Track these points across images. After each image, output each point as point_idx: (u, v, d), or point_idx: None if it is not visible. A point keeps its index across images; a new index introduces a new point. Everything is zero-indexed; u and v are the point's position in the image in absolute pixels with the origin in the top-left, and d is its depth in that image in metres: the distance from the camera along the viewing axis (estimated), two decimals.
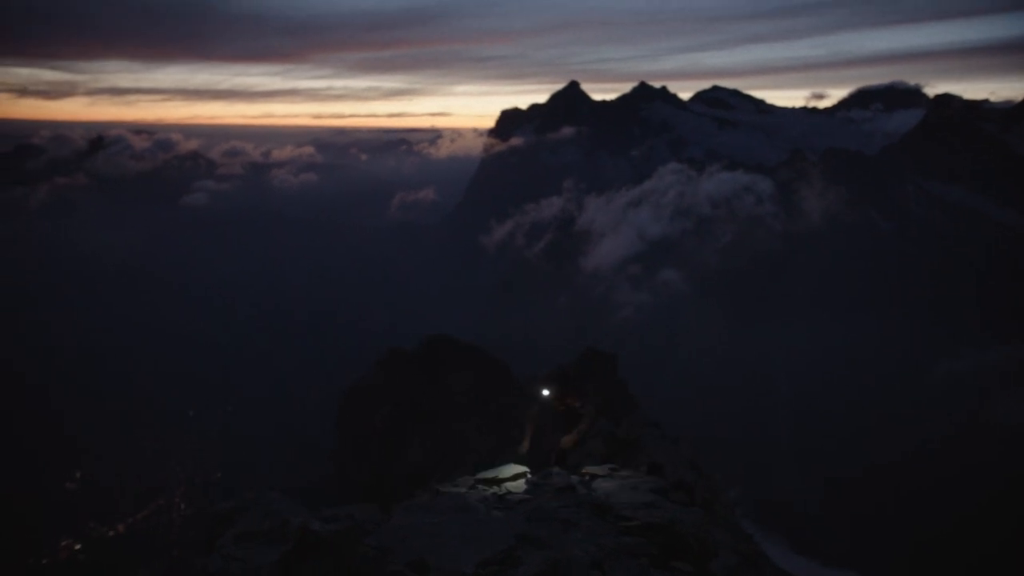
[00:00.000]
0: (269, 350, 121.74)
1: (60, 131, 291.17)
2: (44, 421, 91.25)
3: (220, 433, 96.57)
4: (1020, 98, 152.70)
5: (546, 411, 13.22)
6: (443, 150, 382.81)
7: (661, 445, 14.96)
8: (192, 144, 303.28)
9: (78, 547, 70.87)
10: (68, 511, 75.53)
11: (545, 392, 12.82)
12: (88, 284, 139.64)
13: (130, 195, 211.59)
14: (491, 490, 7.69)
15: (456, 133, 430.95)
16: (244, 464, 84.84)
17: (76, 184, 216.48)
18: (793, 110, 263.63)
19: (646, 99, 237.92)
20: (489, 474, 9.00)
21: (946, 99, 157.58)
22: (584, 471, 9.79)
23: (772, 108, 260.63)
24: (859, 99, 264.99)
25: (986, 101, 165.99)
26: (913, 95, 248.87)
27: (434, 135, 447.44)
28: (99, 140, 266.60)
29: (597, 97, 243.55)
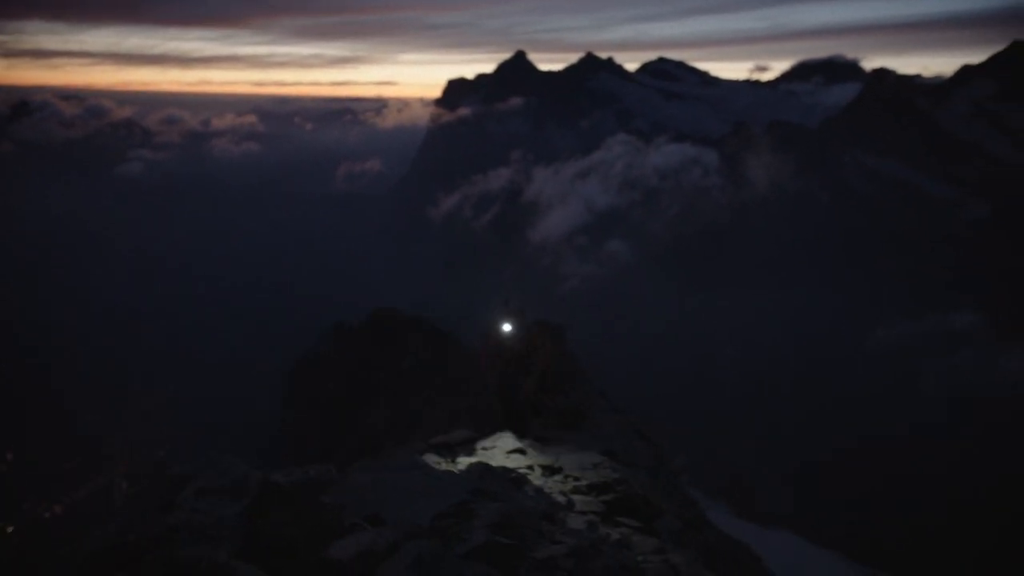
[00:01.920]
0: (212, 322, 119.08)
1: None
2: None
3: (164, 408, 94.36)
4: (949, 74, 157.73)
5: (506, 352, 11.24)
6: (389, 120, 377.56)
7: (608, 415, 15.09)
8: (125, 111, 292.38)
9: (10, 529, 68.63)
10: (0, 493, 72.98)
11: (506, 327, 11.14)
12: (19, 254, 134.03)
13: (60, 163, 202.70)
14: (443, 461, 7.72)
15: (402, 103, 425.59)
16: (189, 439, 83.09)
17: (2, 151, 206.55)
18: (737, 83, 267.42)
19: (593, 70, 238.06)
20: (440, 439, 9.13)
21: (882, 74, 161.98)
22: (535, 435, 10.26)
23: (717, 80, 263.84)
24: (800, 72, 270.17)
25: (918, 76, 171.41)
26: (851, 69, 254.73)
27: (380, 104, 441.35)
28: (23, 105, 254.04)
29: (544, 67, 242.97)
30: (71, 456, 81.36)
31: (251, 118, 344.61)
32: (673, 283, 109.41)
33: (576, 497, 6.42)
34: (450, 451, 8.56)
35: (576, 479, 6.91)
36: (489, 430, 9.96)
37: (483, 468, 5.25)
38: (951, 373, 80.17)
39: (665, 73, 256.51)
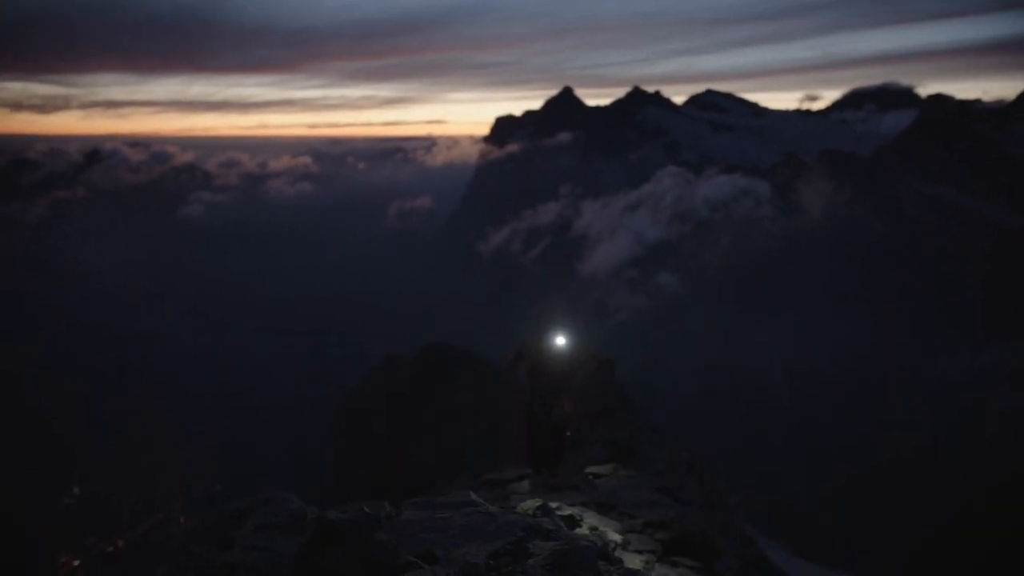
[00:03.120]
0: (267, 361, 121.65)
1: (55, 145, 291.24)
2: (41, 436, 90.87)
3: (219, 446, 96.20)
4: (1012, 97, 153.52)
5: (546, 368, 9.22)
6: (439, 158, 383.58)
7: (660, 449, 14.92)
8: (188, 156, 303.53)
9: (77, 563, 70.25)
10: (66, 527, 74.79)
11: (558, 340, 8.97)
12: (87, 298, 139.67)
13: (127, 208, 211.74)
14: (496, 499, 7.81)
15: (452, 140, 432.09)
16: (243, 476, 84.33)
17: (75, 197, 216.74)
18: (787, 112, 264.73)
19: (640, 104, 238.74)
20: (491, 476, 9.20)
21: (939, 99, 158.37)
22: (587, 471, 10.16)
23: (766, 111, 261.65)
24: (852, 100, 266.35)
25: (978, 101, 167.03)
26: (906, 96, 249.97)
27: (429, 143, 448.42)
28: (95, 153, 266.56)
29: (591, 103, 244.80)
30: (132, 492, 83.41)
31: (306, 159, 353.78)
32: (725, 315, 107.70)
33: (631, 536, 6.45)
34: (502, 488, 8.64)
35: (631, 516, 6.94)
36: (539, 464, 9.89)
37: (537, 505, 5.35)
38: (1017, 407, 76.68)
39: (713, 105, 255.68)
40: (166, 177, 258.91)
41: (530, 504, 5.32)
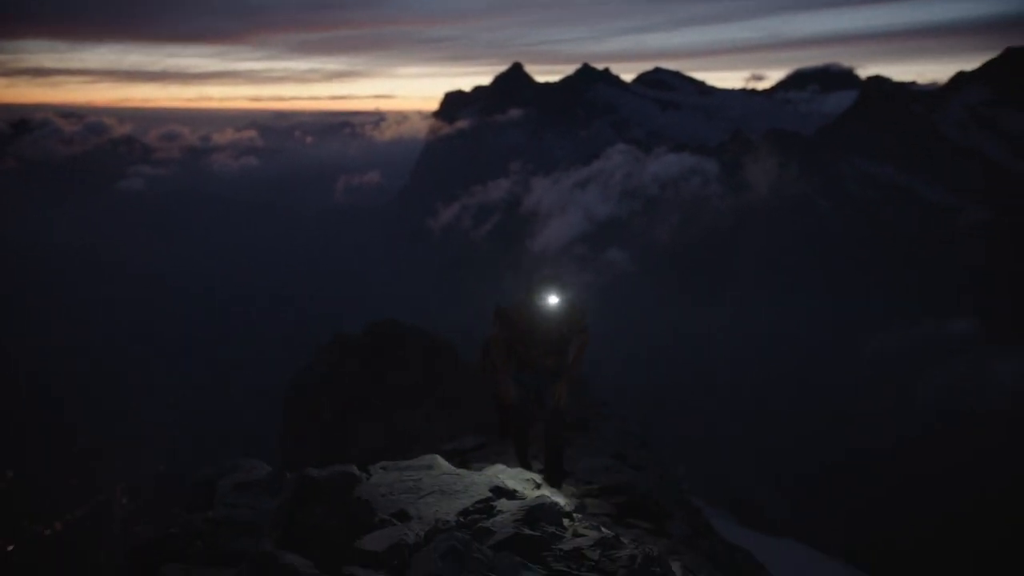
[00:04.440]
0: (211, 337, 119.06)
1: None
2: None
3: (161, 425, 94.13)
4: (944, 80, 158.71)
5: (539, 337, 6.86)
6: (387, 133, 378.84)
7: (610, 422, 15.16)
8: (125, 128, 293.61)
9: (11, 548, 68.29)
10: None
11: (552, 299, 6.76)
12: (23, 272, 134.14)
13: (61, 180, 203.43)
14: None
15: (401, 116, 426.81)
16: (187, 454, 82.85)
17: (5, 168, 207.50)
18: (733, 91, 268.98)
19: (589, 81, 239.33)
20: (450, 445, 9.18)
21: (877, 81, 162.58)
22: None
23: (713, 90, 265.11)
24: (796, 81, 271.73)
25: (914, 83, 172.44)
26: (847, 77, 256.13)
27: (378, 117, 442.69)
28: (23, 123, 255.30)
29: (541, 79, 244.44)
30: (70, 473, 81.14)
31: (251, 132, 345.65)
32: (674, 292, 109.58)
33: (588, 500, 6.51)
34: (461, 457, 8.63)
35: (588, 483, 7.01)
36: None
37: (500, 469, 5.35)
38: (950, 381, 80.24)
39: (661, 83, 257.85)
40: (102, 149, 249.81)
41: (492, 470, 5.31)
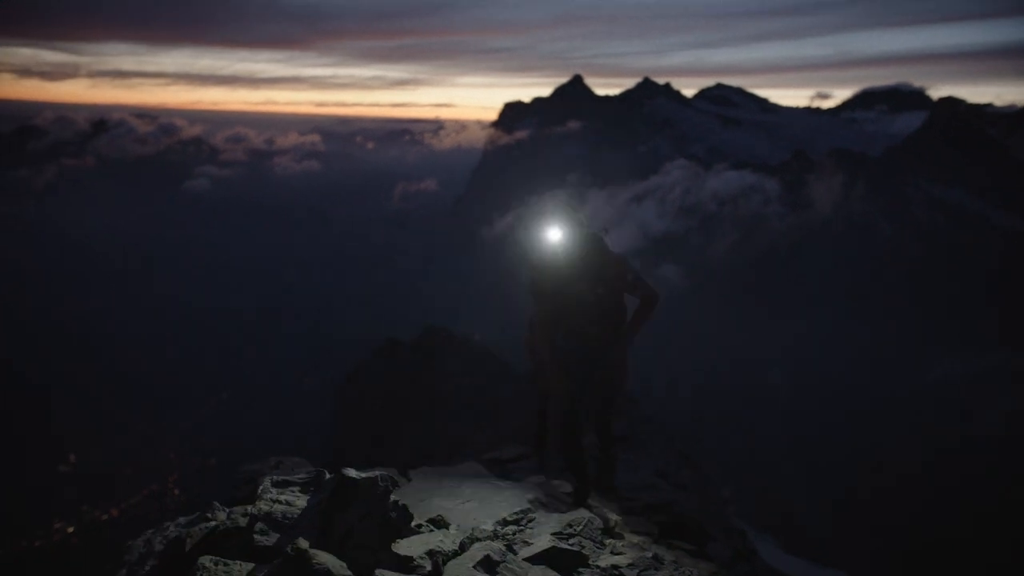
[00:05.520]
0: (267, 337, 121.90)
1: (62, 113, 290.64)
2: (39, 405, 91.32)
3: (214, 422, 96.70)
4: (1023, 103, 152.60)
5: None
6: (446, 141, 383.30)
7: (657, 438, 14.93)
8: (195, 129, 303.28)
9: (71, 530, 71.00)
10: (61, 495, 75.65)
11: (555, 232, 5.08)
12: (92, 267, 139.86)
13: (133, 178, 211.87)
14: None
15: (459, 124, 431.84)
16: (240, 451, 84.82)
17: (83, 166, 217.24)
18: (797, 110, 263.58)
19: (649, 95, 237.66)
20: (491, 455, 9.15)
21: (950, 102, 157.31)
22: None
23: (776, 107, 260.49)
24: (863, 100, 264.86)
25: (990, 105, 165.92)
26: (917, 97, 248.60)
27: (437, 126, 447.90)
28: (102, 123, 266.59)
29: (600, 92, 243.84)
30: (126, 463, 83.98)
31: (313, 137, 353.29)
32: (728, 310, 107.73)
33: (630, 517, 6.41)
34: (502, 467, 8.59)
35: (630, 499, 6.91)
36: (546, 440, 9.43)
37: (539, 480, 5.29)
38: (1018, 410, 76.77)
39: (723, 99, 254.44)
40: (173, 149, 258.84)
41: (533, 480, 5.27)
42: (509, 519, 3.68)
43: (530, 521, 3.67)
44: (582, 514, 3.70)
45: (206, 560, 2.36)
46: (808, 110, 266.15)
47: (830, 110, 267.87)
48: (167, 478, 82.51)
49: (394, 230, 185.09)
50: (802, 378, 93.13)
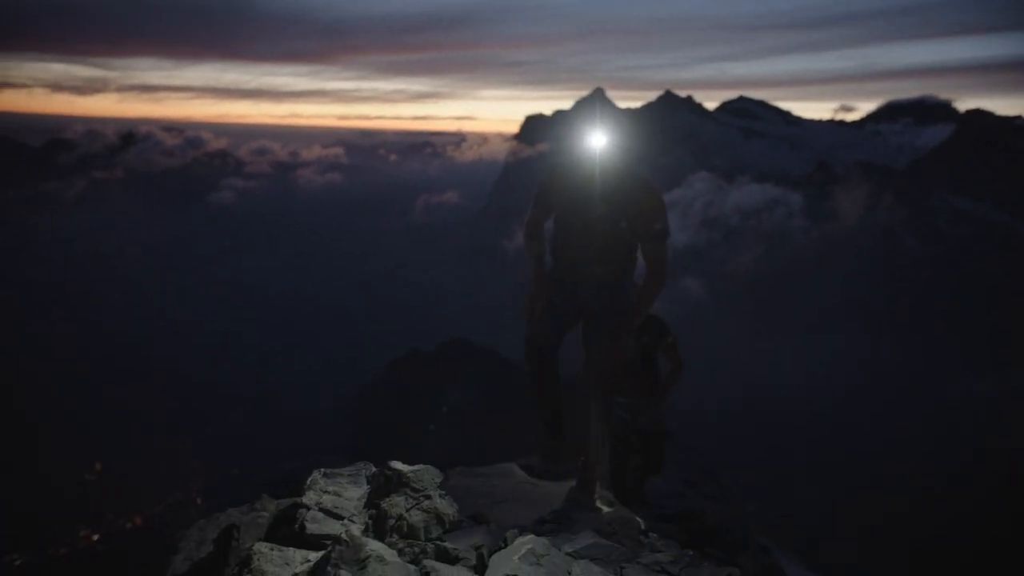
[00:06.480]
0: (289, 347, 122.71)
1: (92, 126, 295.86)
2: (58, 415, 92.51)
3: (235, 432, 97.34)
4: None
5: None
6: (468, 154, 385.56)
7: (678, 453, 14.78)
8: (221, 142, 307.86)
9: (96, 537, 71.76)
10: (86, 503, 76.50)
11: (594, 140, 4.17)
12: (120, 277, 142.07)
13: (160, 191, 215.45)
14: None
15: (481, 137, 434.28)
16: (262, 460, 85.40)
17: (112, 178, 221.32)
18: (820, 122, 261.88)
19: (671, 108, 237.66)
20: (523, 461, 9.13)
21: (978, 114, 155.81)
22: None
23: (799, 120, 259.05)
24: (888, 112, 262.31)
25: (1019, 118, 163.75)
26: (943, 110, 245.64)
27: (459, 138, 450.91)
28: (130, 136, 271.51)
29: (622, 105, 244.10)
30: (150, 469, 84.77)
31: (337, 150, 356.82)
32: (751, 323, 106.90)
33: (660, 524, 6.41)
34: (531, 472, 8.59)
35: (661, 507, 6.90)
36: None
37: (575, 483, 5.31)
38: None
39: (745, 111, 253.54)
40: (199, 162, 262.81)
41: (570, 483, 5.29)
42: (548, 518, 3.72)
43: (569, 520, 3.70)
44: (623, 512, 3.72)
45: (263, 547, 2.42)
46: (832, 123, 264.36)
47: (854, 123, 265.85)
48: (191, 487, 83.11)
49: (415, 242, 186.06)
50: (825, 393, 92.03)
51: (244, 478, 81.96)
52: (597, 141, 4.14)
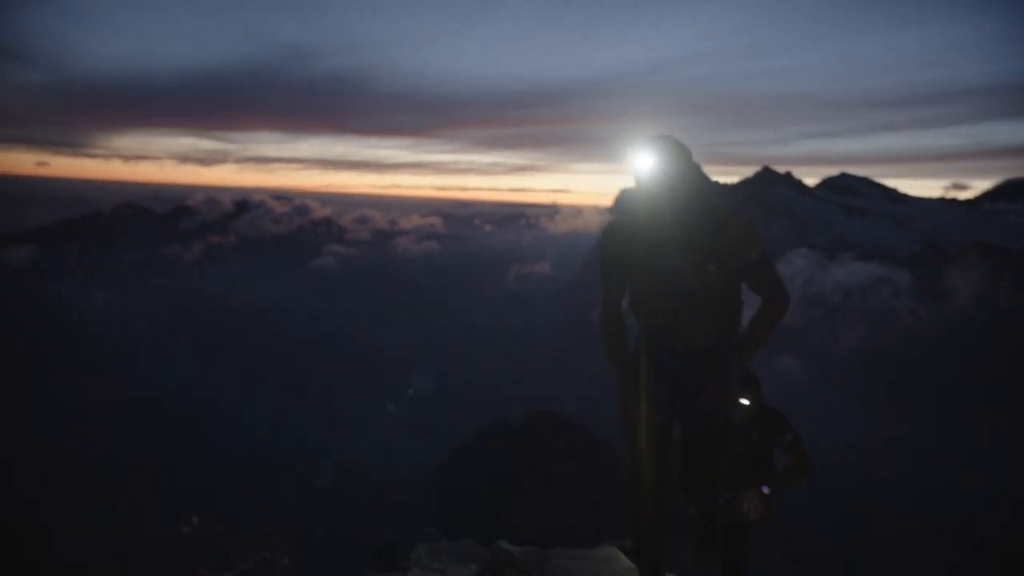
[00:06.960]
0: (379, 411, 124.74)
1: (212, 195, 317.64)
2: (169, 467, 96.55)
3: (326, 491, 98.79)
4: None
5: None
6: (561, 225, 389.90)
7: (770, 539, 14.22)
8: (326, 210, 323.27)
9: None
10: (182, 554, 78.94)
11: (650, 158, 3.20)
12: (228, 338, 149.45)
13: (268, 255, 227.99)
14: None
15: (575, 210, 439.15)
16: (349, 524, 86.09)
17: (226, 243, 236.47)
18: (930, 200, 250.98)
19: (769, 183, 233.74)
20: (620, 543, 8.95)
21: None
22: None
23: (906, 197, 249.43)
24: (1006, 191, 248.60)
25: None
26: None
27: (553, 210, 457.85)
28: (244, 203, 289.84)
29: (719, 179, 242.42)
30: (240, 529, 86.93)
31: (434, 219, 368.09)
32: (853, 406, 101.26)
33: None
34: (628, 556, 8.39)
35: None
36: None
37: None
38: None
39: (847, 188, 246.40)
40: (304, 229, 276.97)
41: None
42: None
43: None
44: None
45: None
46: (942, 200, 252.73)
47: (967, 201, 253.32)
48: (279, 546, 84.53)
49: (506, 311, 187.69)
50: (927, 484, 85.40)
51: (332, 540, 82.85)
52: (658, 176, 3.18)
